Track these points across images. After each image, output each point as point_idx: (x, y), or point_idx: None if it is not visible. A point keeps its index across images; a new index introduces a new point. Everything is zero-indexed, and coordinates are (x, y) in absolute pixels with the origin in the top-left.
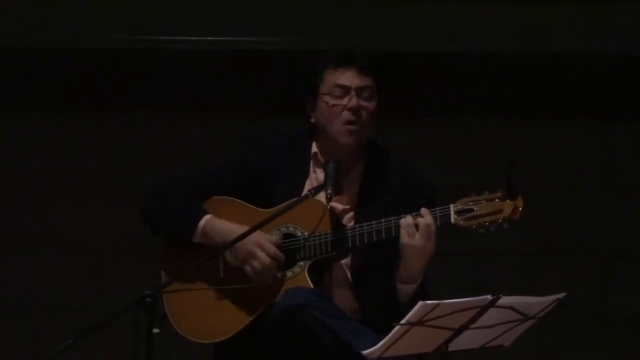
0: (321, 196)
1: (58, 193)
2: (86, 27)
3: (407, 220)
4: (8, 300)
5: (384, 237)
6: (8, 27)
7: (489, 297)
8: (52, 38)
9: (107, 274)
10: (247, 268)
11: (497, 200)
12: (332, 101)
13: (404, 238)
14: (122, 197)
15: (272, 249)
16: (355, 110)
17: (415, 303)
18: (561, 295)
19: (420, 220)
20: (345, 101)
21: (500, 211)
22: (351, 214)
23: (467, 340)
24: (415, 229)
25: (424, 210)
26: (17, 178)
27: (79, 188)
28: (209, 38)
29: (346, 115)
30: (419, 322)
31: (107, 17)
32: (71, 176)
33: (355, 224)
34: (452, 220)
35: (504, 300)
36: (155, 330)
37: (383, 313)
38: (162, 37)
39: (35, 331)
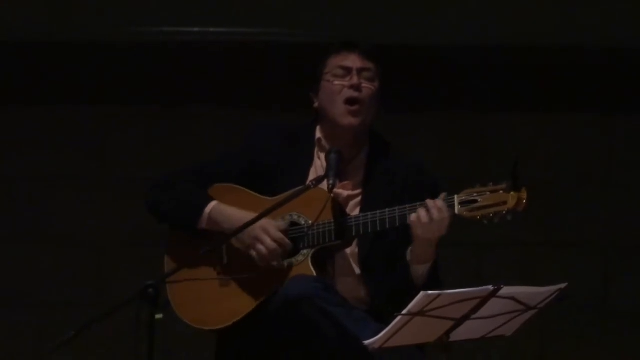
0: (324, 186)
1: (60, 188)
2: (88, 22)
3: (420, 213)
4: (10, 295)
5: (387, 226)
6: (9, 22)
7: (491, 287)
8: (53, 33)
9: (109, 269)
10: (253, 253)
11: (501, 191)
12: (333, 79)
13: (417, 231)
14: (125, 193)
15: (278, 235)
16: (356, 88)
17: (432, 285)
18: (562, 285)
19: (434, 214)
20: (346, 80)
21: (505, 202)
22: (358, 199)
23: (468, 331)
24: (428, 221)
25: (433, 202)
26: (19, 173)
27: (82, 183)
28: (210, 29)
29: (347, 92)
30: (420, 313)
31: (109, 11)
32: (73, 171)
33: (361, 209)
34: (457, 211)
35: (506, 290)
36: (158, 316)
37: (391, 301)
38: (164, 29)
39: (37, 326)
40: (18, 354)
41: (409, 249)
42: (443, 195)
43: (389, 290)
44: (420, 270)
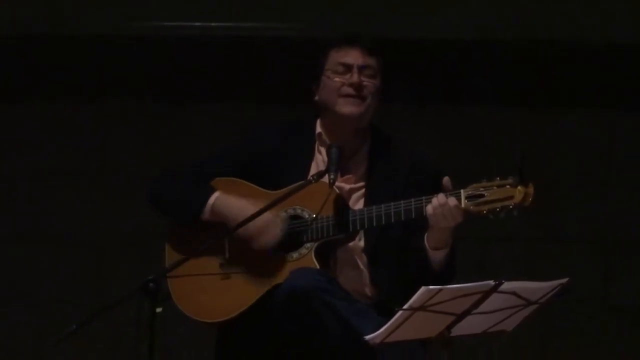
0: (325, 180)
1: (60, 188)
2: (89, 16)
3: (433, 207)
4: (10, 294)
5: (392, 220)
6: (8, 18)
7: (492, 282)
8: (53, 29)
9: (109, 267)
10: (255, 243)
11: (508, 186)
12: (334, 76)
13: (432, 220)
14: (125, 192)
15: (280, 228)
16: (356, 86)
17: (448, 272)
18: (563, 280)
19: (445, 206)
20: (347, 77)
21: (512, 197)
22: (360, 192)
23: (469, 326)
24: (442, 214)
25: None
26: (19, 172)
27: (82, 182)
28: (212, 24)
29: (347, 89)
30: (421, 307)
31: (110, 5)
32: (73, 169)
33: (365, 202)
34: (463, 205)
35: (507, 285)
36: (158, 310)
37: (398, 295)
38: (168, 23)
39: (37, 327)
40: (18, 354)
41: (426, 235)
42: (446, 179)
43: (395, 284)
44: (437, 256)
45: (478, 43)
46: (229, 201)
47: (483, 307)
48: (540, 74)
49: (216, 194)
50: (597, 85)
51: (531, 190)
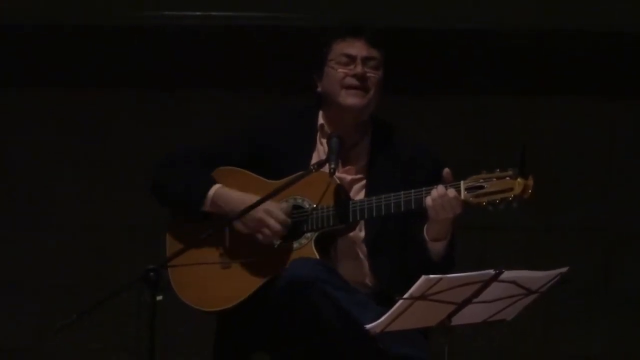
0: (326, 170)
1: (60, 179)
2: (91, 4)
3: (432, 198)
4: (11, 287)
5: (392, 211)
6: (9, 6)
7: (492, 271)
8: (55, 15)
9: (113, 254)
10: (259, 236)
11: (508, 178)
12: (337, 67)
13: (431, 212)
14: (126, 184)
15: (282, 216)
16: (359, 77)
17: (448, 263)
18: (564, 269)
19: (444, 197)
20: (350, 68)
21: (511, 189)
22: (362, 183)
23: (470, 315)
24: (441, 205)
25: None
26: (19, 163)
27: (82, 174)
28: (213, 13)
29: (350, 80)
30: (421, 297)
31: None
32: (77, 156)
33: (366, 193)
34: (462, 196)
35: (507, 274)
36: (159, 297)
37: (398, 284)
38: (168, 13)
39: (37, 323)
40: (18, 350)
41: (425, 226)
42: (447, 171)
43: (396, 274)
44: (436, 247)
45: (479, 34)
46: (228, 194)
47: (483, 296)
48: (542, 65)
49: (215, 186)
50: (599, 73)
51: (531, 182)
